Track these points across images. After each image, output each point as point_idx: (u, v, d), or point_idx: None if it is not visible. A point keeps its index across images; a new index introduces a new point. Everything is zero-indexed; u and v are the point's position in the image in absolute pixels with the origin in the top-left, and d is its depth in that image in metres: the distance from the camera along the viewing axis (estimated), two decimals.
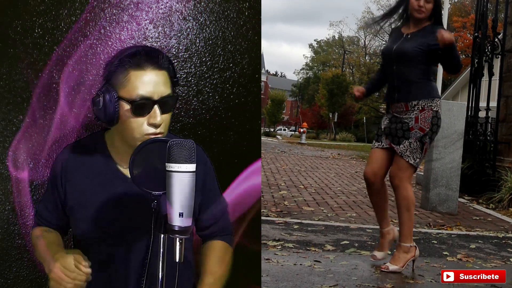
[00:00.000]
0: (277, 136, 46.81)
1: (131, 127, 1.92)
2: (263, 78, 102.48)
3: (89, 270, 1.85)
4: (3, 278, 2.25)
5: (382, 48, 4.14)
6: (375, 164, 4.03)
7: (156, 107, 1.90)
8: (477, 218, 6.78)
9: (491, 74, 8.96)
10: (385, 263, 3.95)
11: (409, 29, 4.02)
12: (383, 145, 4.01)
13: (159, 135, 1.92)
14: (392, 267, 3.89)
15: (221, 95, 2.41)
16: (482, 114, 9.03)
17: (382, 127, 4.04)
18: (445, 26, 9.78)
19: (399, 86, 3.94)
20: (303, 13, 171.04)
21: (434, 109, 3.91)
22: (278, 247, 4.41)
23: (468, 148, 8.58)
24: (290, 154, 17.78)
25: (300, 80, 78.16)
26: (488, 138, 9.00)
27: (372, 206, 4.23)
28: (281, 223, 5.50)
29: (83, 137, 2.18)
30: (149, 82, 1.90)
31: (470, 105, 8.95)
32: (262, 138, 36.87)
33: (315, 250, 4.41)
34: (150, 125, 1.90)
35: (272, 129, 59.56)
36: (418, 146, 3.87)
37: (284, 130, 64.59)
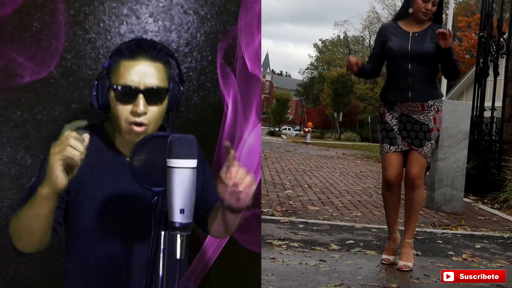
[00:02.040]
0: (282, 135, 46.79)
1: (116, 114, 1.94)
2: (268, 77, 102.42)
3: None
4: (2, 275, 2.23)
5: (389, 46, 3.96)
6: (396, 168, 3.95)
7: (140, 96, 1.91)
8: (482, 218, 6.78)
9: (496, 74, 8.95)
10: (404, 264, 3.93)
11: (410, 27, 3.96)
12: (401, 148, 3.94)
13: (143, 127, 1.92)
14: (410, 264, 3.94)
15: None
16: (487, 114, 9.02)
17: (395, 128, 3.94)
18: (450, 26, 9.80)
19: (414, 86, 3.88)
20: (309, 14, 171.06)
21: (441, 110, 3.97)
22: (283, 247, 4.42)
23: (473, 148, 8.58)
24: (295, 153, 17.79)
25: (305, 80, 78.11)
26: (493, 138, 8.99)
27: (388, 210, 4.10)
28: (286, 222, 5.51)
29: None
30: (136, 72, 1.91)
31: (475, 105, 8.93)
32: (267, 137, 36.82)
33: (320, 250, 4.42)
34: (132, 113, 1.91)
35: (277, 129, 59.52)
36: (435, 146, 3.97)
37: (289, 129, 64.57)
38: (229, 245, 2.34)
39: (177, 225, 1.57)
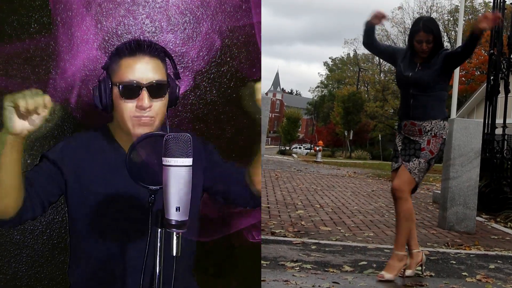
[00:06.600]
0: (293, 154, 46.73)
1: (121, 110, 2.00)
2: (279, 96, 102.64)
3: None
4: (2, 273, 2.25)
5: (398, 70, 4.29)
6: None
7: (144, 91, 1.99)
8: (496, 237, 6.73)
9: (507, 91, 8.94)
10: (380, 274, 4.10)
11: (418, 58, 4.21)
12: (399, 165, 4.20)
13: (147, 118, 1.98)
14: (387, 275, 4.07)
15: (219, 89, 2.42)
16: (498, 131, 8.99)
17: (399, 149, 4.24)
18: (459, 42, 9.78)
19: (415, 106, 4.15)
20: (321, 33, 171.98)
21: (444, 137, 4.15)
22: (296, 268, 4.41)
23: (485, 166, 8.54)
24: (306, 172, 17.75)
25: (315, 98, 78.17)
26: (505, 155, 8.94)
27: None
28: (299, 243, 5.49)
29: (85, 129, 2.19)
30: (138, 68, 2.00)
31: (486, 123, 8.91)
32: (277, 156, 36.64)
33: (333, 271, 4.40)
34: (138, 108, 1.98)
35: (287, 147, 59.46)
36: (425, 167, 4.11)
37: (300, 148, 64.46)
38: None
39: (173, 222, 1.60)
